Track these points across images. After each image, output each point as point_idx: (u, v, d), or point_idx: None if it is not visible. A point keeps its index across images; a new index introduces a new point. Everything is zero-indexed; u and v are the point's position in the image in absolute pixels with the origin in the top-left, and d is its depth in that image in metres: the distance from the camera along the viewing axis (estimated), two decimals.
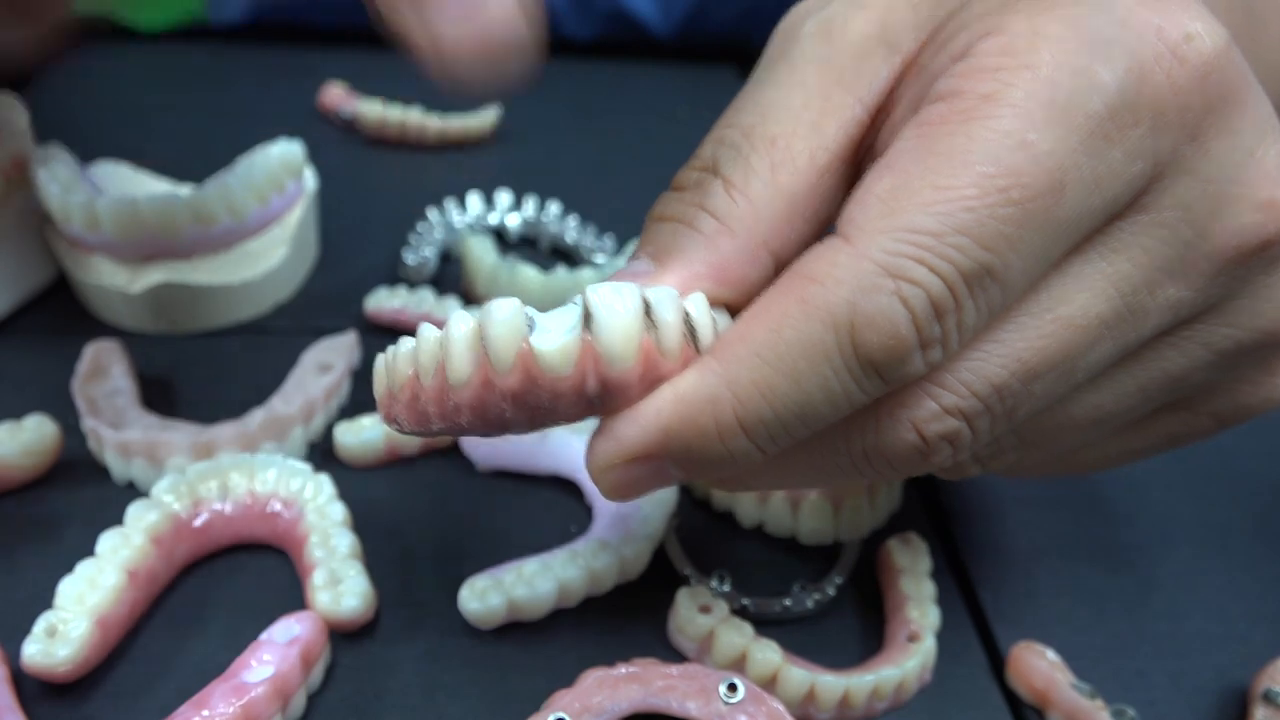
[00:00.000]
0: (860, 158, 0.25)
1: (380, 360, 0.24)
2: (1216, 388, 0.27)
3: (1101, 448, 0.28)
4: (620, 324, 0.21)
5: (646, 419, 0.22)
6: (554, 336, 0.22)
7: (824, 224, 0.25)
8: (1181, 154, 0.22)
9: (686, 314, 0.23)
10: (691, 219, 0.24)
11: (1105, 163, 0.21)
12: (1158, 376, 0.26)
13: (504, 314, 0.22)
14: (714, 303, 0.24)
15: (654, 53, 0.66)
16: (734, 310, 0.24)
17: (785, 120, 0.24)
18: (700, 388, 0.22)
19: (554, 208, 0.49)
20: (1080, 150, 0.21)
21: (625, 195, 0.47)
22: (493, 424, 0.22)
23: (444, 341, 0.22)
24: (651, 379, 0.22)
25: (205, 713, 0.26)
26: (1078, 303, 0.23)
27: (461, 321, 0.22)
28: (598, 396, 0.22)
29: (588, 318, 0.22)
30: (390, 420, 0.24)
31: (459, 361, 0.22)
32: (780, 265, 0.25)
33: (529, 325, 0.22)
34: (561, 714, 0.28)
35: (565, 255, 0.48)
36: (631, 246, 0.44)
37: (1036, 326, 0.23)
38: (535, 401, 0.22)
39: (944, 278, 0.21)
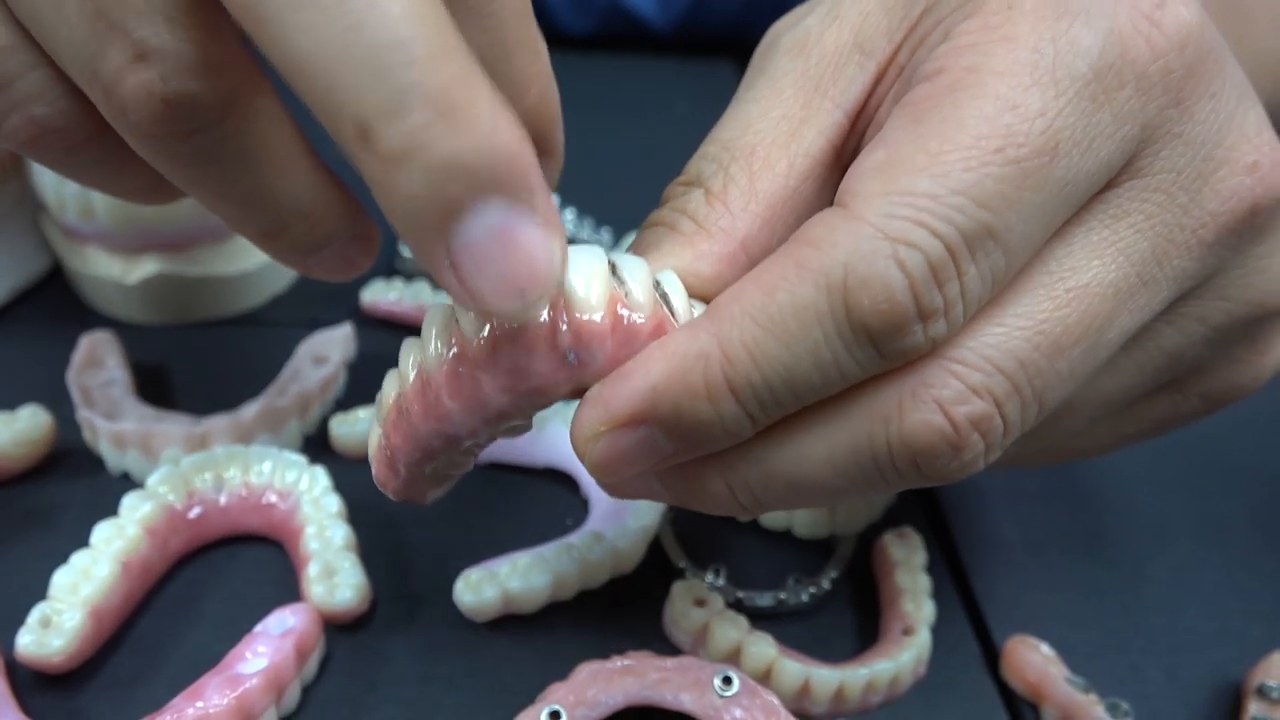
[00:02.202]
0: (844, 162, 0.25)
1: (370, 422, 0.24)
2: (1206, 367, 0.27)
3: (1092, 435, 0.28)
4: (585, 268, 0.21)
5: (633, 378, 0.22)
6: None
7: (820, 209, 0.25)
8: (1168, 117, 0.23)
9: (657, 282, 0.23)
10: (673, 222, 0.24)
11: (1095, 125, 0.22)
12: (1155, 355, 0.26)
13: None
14: (692, 295, 0.24)
15: (653, 46, 0.66)
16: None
17: (764, 130, 0.25)
18: (690, 344, 0.22)
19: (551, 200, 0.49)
20: (1069, 112, 0.21)
21: (623, 189, 0.47)
22: (479, 409, 0.22)
23: (421, 337, 0.22)
24: (623, 335, 0.22)
25: (199, 704, 0.26)
26: (1090, 271, 0.23)
27: (434, 309, 0.22)
28: (571, 349, 0.22)
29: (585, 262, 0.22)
30: (386, 467, 0.24)
31: (433, 343, 0.22)
32: None
33: None
34: (556, 706, 0.28)
35: None
36: (629, 239, 0.44)
37: (1053, 296, 0.22)
38: (511, 364, 0.22)
39: (943, 238, 0.20)
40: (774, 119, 0.25)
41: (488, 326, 0.21)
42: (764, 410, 0.22)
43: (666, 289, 0.23)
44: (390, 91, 0.17)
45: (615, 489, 0.25)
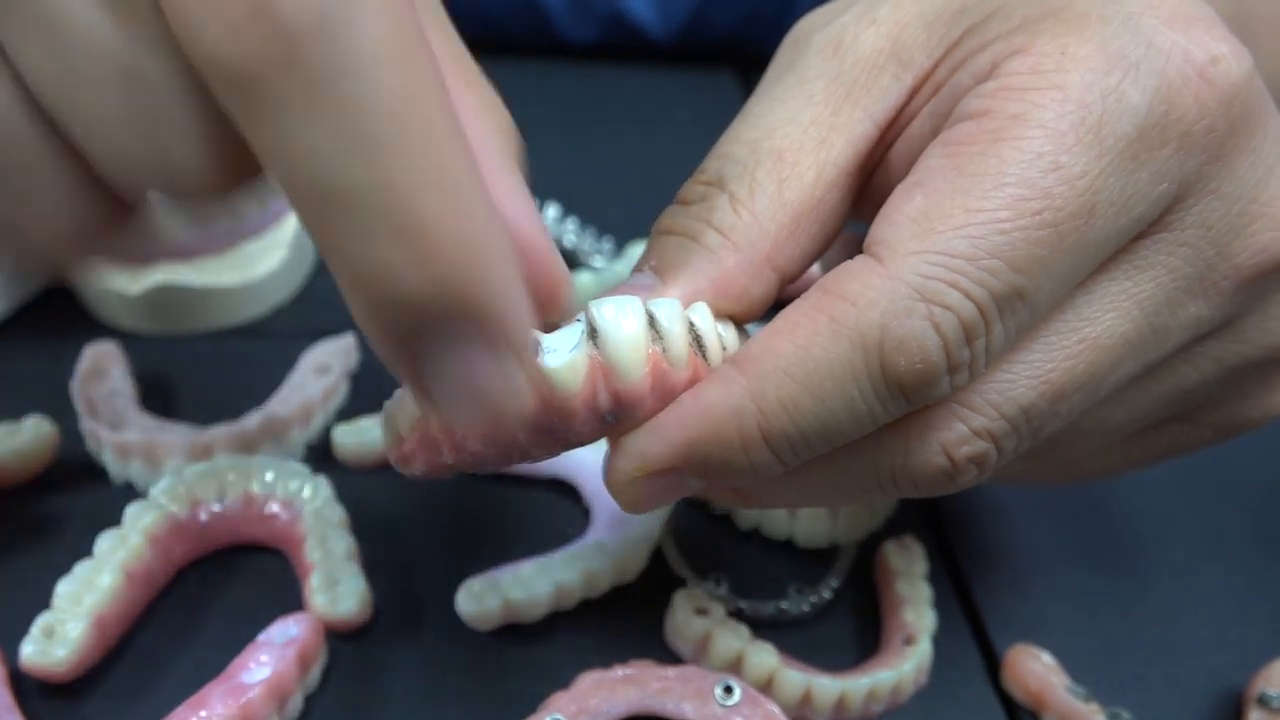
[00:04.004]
0: (869, 172, 0.25)
1: (387, 407, 0.24)
2: (1220, 401, 0.27)
3: (1102, 458, 0.28)
4: (626, 336, 0.21)
5: (669, 431, 0.22)
6: (560, 355, 0.21)
7: (829, 239, 0.25)
8: (1205, 173, 0.23)
9: (691, 324, 0.23)
10: (696, 233, 0.24)
11: (1133, 184, 0.22)
12: (1168, 390, 0.26)
13: None
14: (718, 315, 0.24)
15: (653, 56, 0.66)
16: (738, 323, 0.24)
17: (792, 135, 0.24)
18: (726, 400, 0.22)
19: (552, 211, 0.49)
20: (1110, 172, 0.21)
21: (625, 198, 0.47)
22: (506, 451, 0.22)
23: None
24: (662, 391, 0.22)
25: (203, 713, 0.26)
26: (1104, 323, 0.23)
27: None
28: (610, 412, 0.22)
29: (593, 333, 0.22)
30: (402, 463, 0.24)
31: None
32: (785, 280, 0.25)
33: (535, 346, 0.22)
34: (558, 715, 0.28)
35: (564, 258, 0.48)
36: (631, 249, 0.45)
37: (1064, 347, 0.23)
38: (548, 423, 0.22)
39: (976, 301, 0.21)
40: (803, 123, 0.24)
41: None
42: (796, 456, 0.22)
43: (699, 328, 0.23)
44: (363, 219, 0.16)
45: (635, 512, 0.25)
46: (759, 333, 0.23)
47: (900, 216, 0.22)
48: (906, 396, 0.21)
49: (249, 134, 0.17)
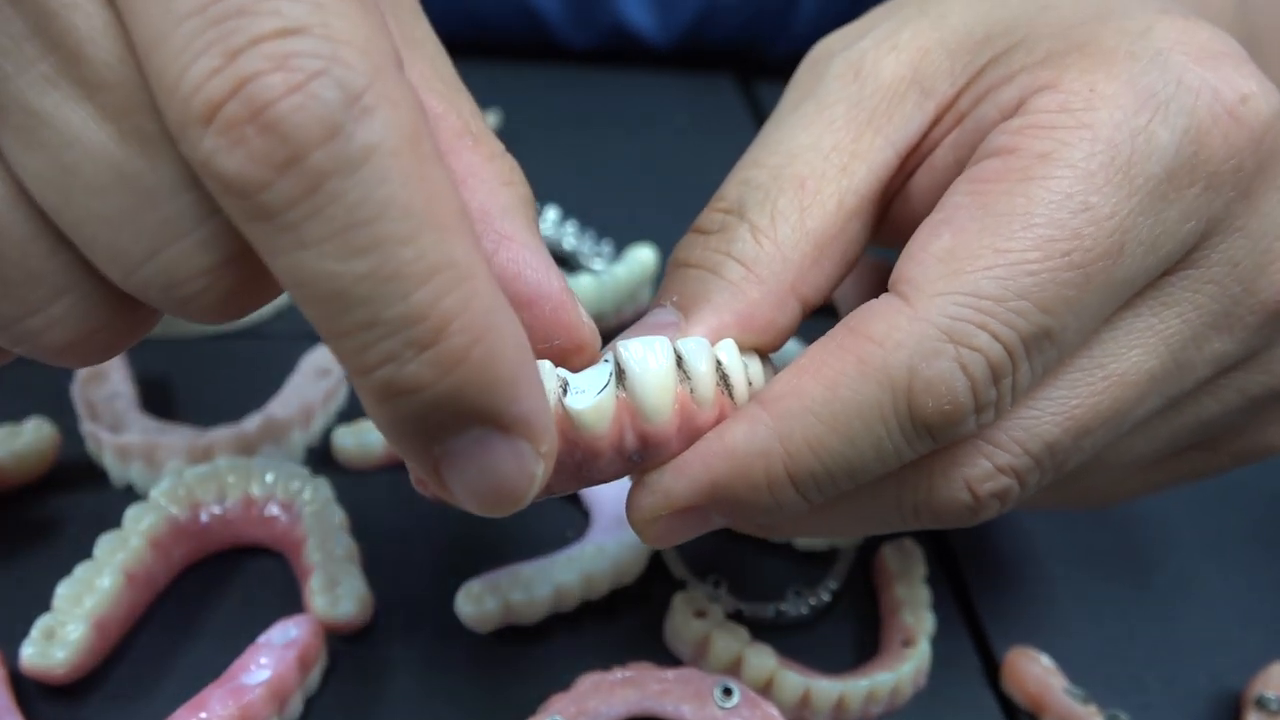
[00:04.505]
0: (889, 199, 0.25)
1: None
2: (1242, 430, 0.27)
3: (1122, 485, 0.28)
4: (654, 379, 0.21)
5: (694, 471, 0.22)
6: (588, 396, 0.21)
7: (850, 265, 0.25)
8: (1232, 211, 0.23)
9: (718, 362, 0.23)
10: (717, 266, 0.24)
11: (1161, 223, 0.22)
12: (1190, 421, 0.26)
13: None
14: (743, 348, 0.24)
15: (653, 62, 0.66)
16: (762, 354, 0.24)
17: (814, 162, 0.24)
18: (752, 441, 0.22)
19: (552, 214, 0.49)
20: (1139, 212, 0.21)
21: (624, 202, 0.48)
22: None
23: None
24: (689, 431, 0.22)
25: (203, 715, 0.26)
26: (1130, 360, 0.23)
27: None
28: (636, 452, 0.22)
29: (620, 374, 0.22)
30: (420, 486, 0.24)
31: None
32: (807, 309, 0.24)
33: (562, 388, 0.22)
34: (557, 717, 0.28)
35: (564, 262, 0.49)
36: (630, 253, 0.45)
37: (1089, 384, 0.23)
38: (573, 461, 0.22)
39: (1004, 342, 0.21)
40: (824, 150, 0.24)
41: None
42: (821, 494, 0.22)
43: (726, 366, 0.23)
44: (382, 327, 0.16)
45: (657, 545, 0.25)
46: (784, 371, 0.23)
47: (927, 256, 0.22)
48: (933, 436, 0.21)
49: (256, 243, 0.17)
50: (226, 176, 0.16)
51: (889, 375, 0.21)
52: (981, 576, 0.35)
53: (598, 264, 0.47)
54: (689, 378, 0.22)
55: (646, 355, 0.22)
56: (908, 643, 0.31)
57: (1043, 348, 0.21)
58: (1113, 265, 0.21)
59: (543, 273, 0.22)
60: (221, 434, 0.35)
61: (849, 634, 0.33)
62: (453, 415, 0.17)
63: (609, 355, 0.22)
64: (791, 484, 0.22)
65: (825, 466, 0.22)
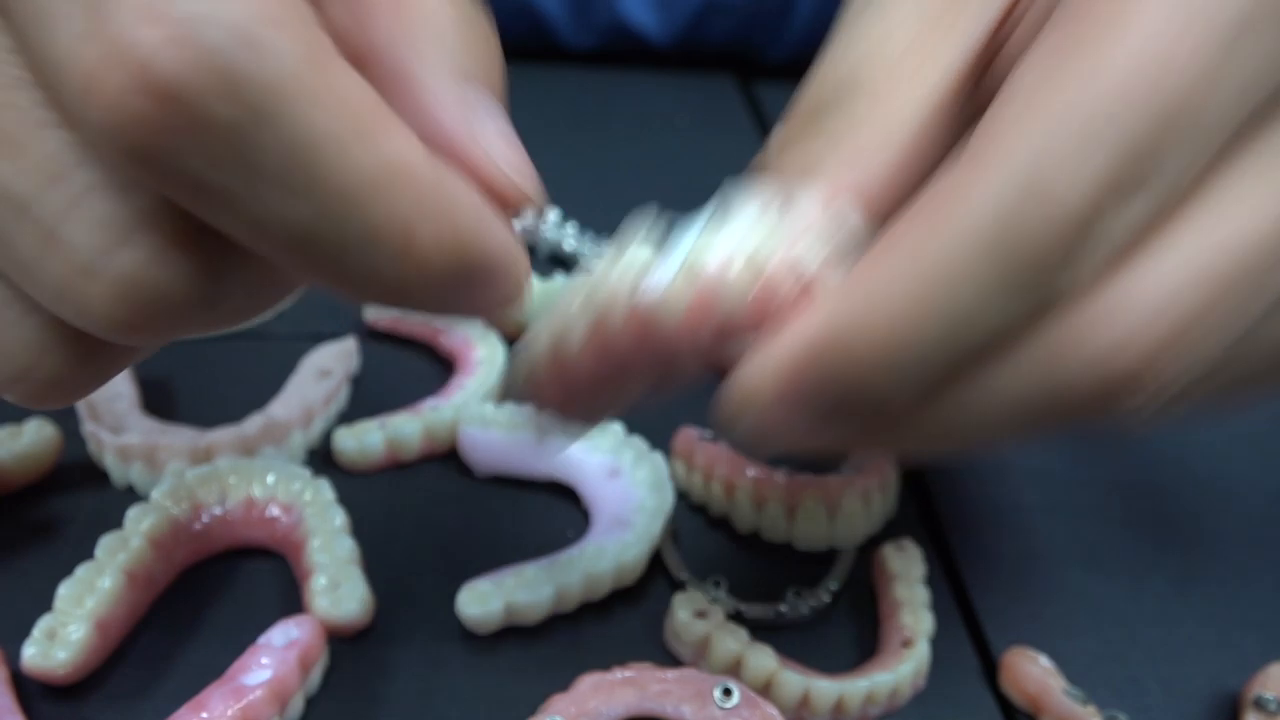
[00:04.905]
0: (981, 73, 0.24)
1: (517, 349, 0.24)
2: None
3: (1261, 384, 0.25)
4: (734, 247, 0.21)
5: (783, 354, 0.21)
6: (684, 252, 0.21)
7: (934, 166, 0.23)
8: None
9: (811, 240, 0.22)
10: (803, 170, 0.23)
11: (1261, 53, 0.20)
12: None
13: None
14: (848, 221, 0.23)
15: (654, 62, 0.66)
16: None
17: (889, 60, 0.23)
18: (842, 313, 0.20)
19: (552, 215, 0.49)
20: (1229, 46, 0.19)
21: (624, 203, 0.47)
22: (618, 380, 0.22)
23: (558, 319, 0.23)
24: (774, 319, 0.21)
25: (204, 715, 0.26)
26: (1258, 198, 0.21)
27: (575, 289, 0.23)
28: (719, 340, 0.21)
29: (720, 220, 0.21)
30: (535, 399, 0.24)
31: (572, 331, 0.23)
32: (888, 211, 0.23)
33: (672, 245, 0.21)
34: (557, 718, 0.28)
35: (563, 263, 0.49)
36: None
37: (1209, 231, 0.21)
38: (653, 351, 0.21)
39: (1103, 175, 0.19)
40: (899, 50, 0.23)
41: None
42: (924, 367, 0.20)
43: (818, 245, 0.22)
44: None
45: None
46: (878, 240, 0.21)
47: (1007, 108, 0.20)
48: (1034, 285, 0.20)
49: (200, 214, 0.17)
50: (134, 152, 0.15)
51: (975, 224, 0.19)
52: (980, 577, 0.35)
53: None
54: (787, 249, 0.21)
55: (731, 230, 0.21)
56: (907, 643, 0.31)
57: (1143, 182, 0.19)
58: (1207, 97, 0.19)
59: (443, 125, 0.21)
60: (222, 435, 0.35)
61: (848, 634, 0.33)
62: (443, 288, 0.19)
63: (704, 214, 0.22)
64: (891, 354, 0.20)
65: (924, 332, 0.20)
